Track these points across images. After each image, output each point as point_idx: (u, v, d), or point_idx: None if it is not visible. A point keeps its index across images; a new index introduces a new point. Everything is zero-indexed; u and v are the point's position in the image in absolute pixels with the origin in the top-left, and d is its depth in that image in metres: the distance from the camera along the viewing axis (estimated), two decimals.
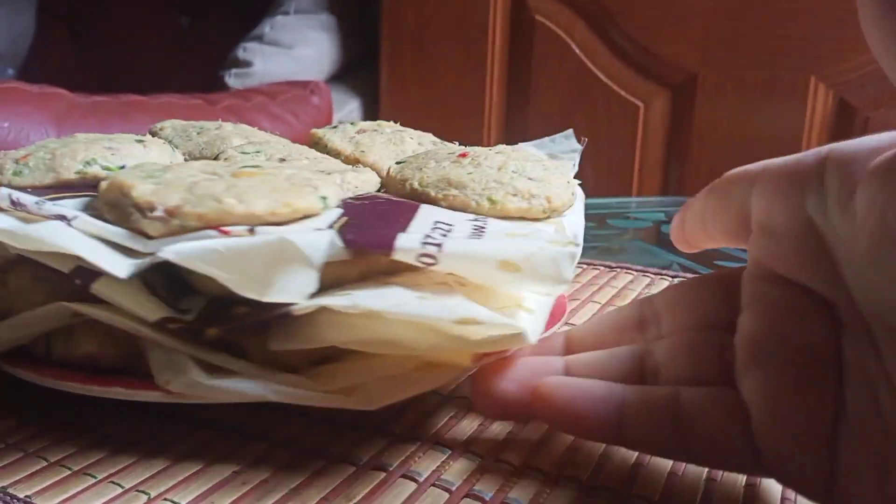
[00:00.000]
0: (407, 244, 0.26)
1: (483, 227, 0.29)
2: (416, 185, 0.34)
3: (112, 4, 1.59)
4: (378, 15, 1.32)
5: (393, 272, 0.27)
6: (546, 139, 0.49)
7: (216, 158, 0.38)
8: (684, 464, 0.26)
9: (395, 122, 0.45)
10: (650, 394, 0.24)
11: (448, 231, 0.28)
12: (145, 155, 0.37)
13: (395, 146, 0.42)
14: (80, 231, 0.27)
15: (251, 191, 0.27)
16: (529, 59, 1.25)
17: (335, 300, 0.25)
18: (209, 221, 0.26)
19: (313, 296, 0.25)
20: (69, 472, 0.25)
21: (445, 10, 1.27)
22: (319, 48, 1.37)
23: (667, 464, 0.26)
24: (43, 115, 0.95)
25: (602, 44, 1.20)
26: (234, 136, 0.42)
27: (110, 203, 0.28)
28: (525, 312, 0.28)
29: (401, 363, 0.26)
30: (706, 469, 0.26)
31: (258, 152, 0.38)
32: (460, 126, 1.27)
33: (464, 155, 0.35)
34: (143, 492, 0.24)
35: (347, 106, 1.39)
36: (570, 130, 0.49)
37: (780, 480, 0.23)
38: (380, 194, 0.35)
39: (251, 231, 0.26)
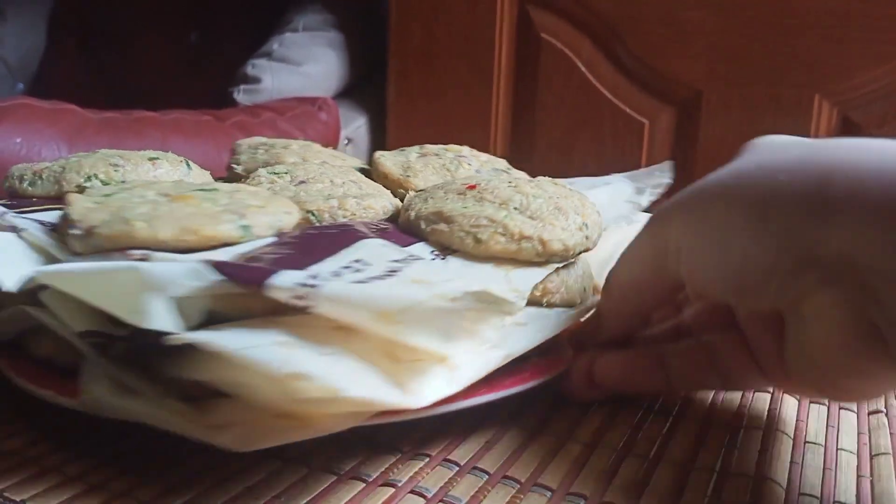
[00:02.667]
0: (282, 282, 0.24)
1: (396, 271, 0.27)
2: (412, 216, 0.33)
3: (123, 20, 1.61)
4: (385, 32, 1.33)
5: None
6: (642, 170, 0.47)
7: (247, 178, 0.39)
8: (654, 469, 0.27)
9: (463, 146, 0.45)
10: (683, 346, 0.32)
11: (359, 270, 0.26)
12: (152, 172, 0.38)
13: (447, 172, 0.41)
14: (26, 242, 0.29)
15: (167, 216, 0.28)
16: (535, 77, 1.26)
17: (196, 335, 0.23)
18: (117, 243, 0.27)
19: (204, 328, 0.24)
20: (87, 487, 0.26)
21: (453, 28, 1.28)
22: (327, 65, 1.38)
23: (639, 471, 0.27)
24: (55, 131, 0.97)
25: (607, 61, 1.21)
26: (289, 156, 0.43)
27: (62, 217, 0.29)
28: (443, 369, 0.25)
29: (265, 407, 0.24)
30: (674, 478, 0.27)
31: (286, 173, 0.38)
32: (466, 143, 1.27)
33: (471, 187, 0.34)
34: None
35: (355, 122, 1.40)
36: (670, 163, 0.46)
37: (771, 384, 0.33)
38: (336, 223, 0.33)
39: (145, 257, 0.26)
